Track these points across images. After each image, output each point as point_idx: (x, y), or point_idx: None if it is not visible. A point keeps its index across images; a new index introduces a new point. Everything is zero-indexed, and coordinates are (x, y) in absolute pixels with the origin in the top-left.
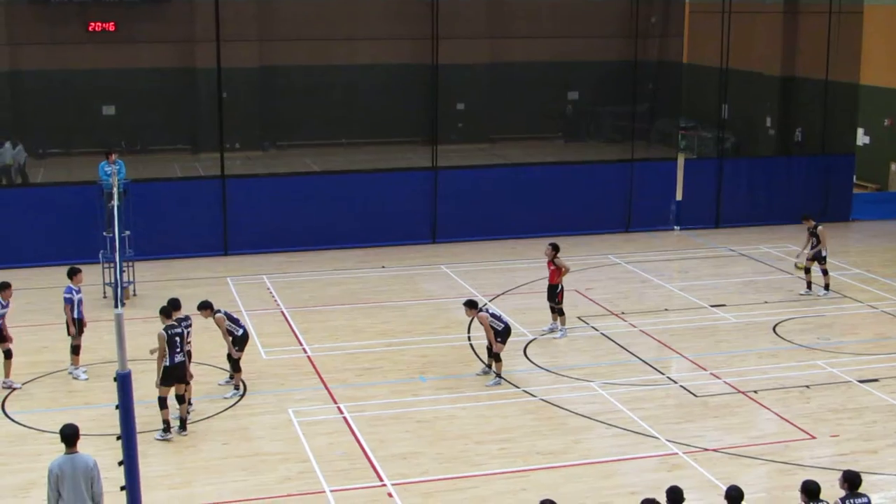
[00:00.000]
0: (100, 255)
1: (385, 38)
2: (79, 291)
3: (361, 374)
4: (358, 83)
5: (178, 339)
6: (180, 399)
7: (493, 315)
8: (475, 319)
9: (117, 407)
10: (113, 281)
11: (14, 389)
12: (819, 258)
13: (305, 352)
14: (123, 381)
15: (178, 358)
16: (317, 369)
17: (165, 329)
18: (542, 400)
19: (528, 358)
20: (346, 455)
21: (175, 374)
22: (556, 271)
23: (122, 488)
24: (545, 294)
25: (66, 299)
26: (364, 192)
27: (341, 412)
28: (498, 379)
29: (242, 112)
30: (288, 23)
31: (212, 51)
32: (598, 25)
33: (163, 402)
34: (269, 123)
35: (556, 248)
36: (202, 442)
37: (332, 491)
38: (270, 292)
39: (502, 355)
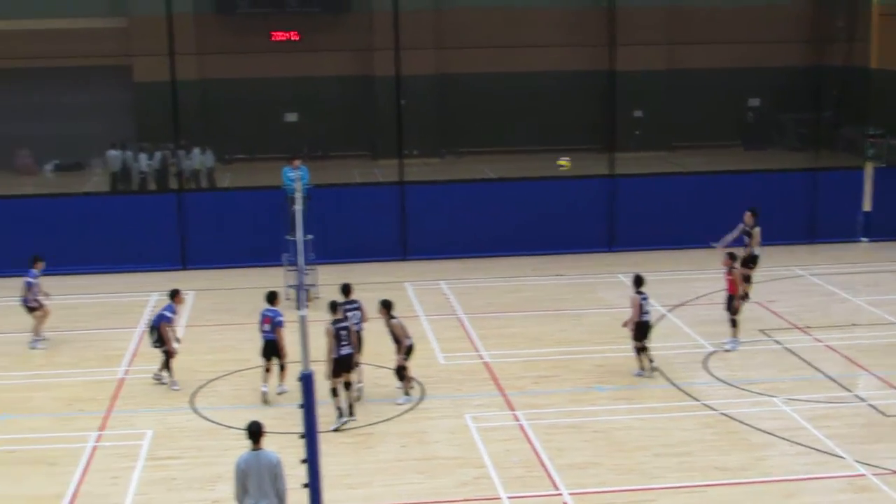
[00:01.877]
0: (283, 258)
1: (561, 46)
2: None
3: (538, 381)
4: (534, 90)
5: (343, 332)
6: (347, 386)
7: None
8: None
9: (301, 406)
10: (296, 283)
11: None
12: None
13: (482, 358)
14: (307, 382)
15: (345, 350)
16: (494, 375)
17: (332, 323)
18: (723, 414)
19: (707, 370)
20: (522, 462)
21: (343, 366)
22: (734, 281)
23: (305, 486)
24: (724, 305)
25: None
26: (541, 199)
27: (517, 419)
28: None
29: (420, 119)
30: (465, 31)
31: (391, 59)
32: (780, 30)
33: (334, 392)
34: (447, 130)
35: (733, 257)
36: (380, 444)
37: (508, 498)
38: (447, 298)
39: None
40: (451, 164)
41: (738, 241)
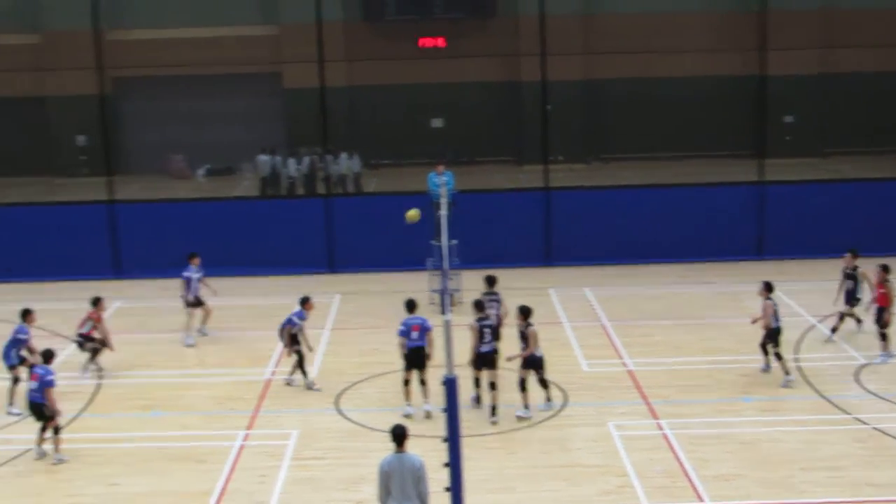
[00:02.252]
0: (428, 263)
1: (710, 50)
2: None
3: (683, 390)
4: (682, 96)
5: (486, 330)
6: (492, 386)
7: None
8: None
9: (444, 410)
10: (440, 288)
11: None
12: None
13: (626, 366)
14: (450, 386)
15: (486, 348)
16: (637, 384)
17: (477, 321)
18: (875, 429)
19: (859, 383)
20: (665, 472)
21: (483, 360)
22: (886, 294)
23: (447, 489)
24: (874, 318)
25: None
26: (687, 206)
27: (661, 428)
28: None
29: (566, 125)
30: (612, 36)
31: (537, 64)
32: None
33: (477, 382)
34: (593, 136)
35: (886, 269)
36: (522, 449)
37: None
38: (592, 305)
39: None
40: (597, 170)
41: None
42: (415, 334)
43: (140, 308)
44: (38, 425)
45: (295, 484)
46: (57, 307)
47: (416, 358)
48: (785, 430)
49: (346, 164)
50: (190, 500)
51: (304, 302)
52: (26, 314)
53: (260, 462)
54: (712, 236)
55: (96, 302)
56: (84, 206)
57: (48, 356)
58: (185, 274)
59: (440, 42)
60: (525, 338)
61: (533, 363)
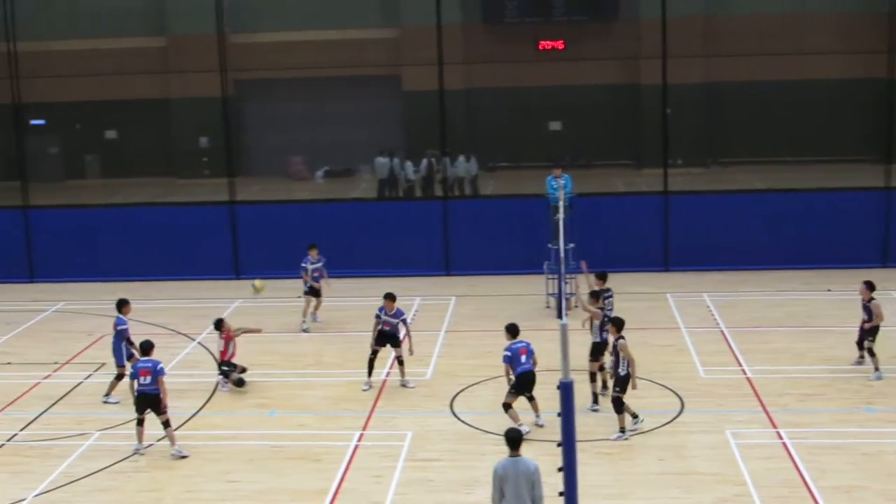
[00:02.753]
0: (544, 266)
1: (835, 53)
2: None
3: (803, 399)
4: (804, 99)
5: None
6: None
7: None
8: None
9: (559, 414)
10: (556, 292)
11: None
12: None
13: (745, 373)
14: (566, 390)
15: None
16: (756, 391)
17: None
18: None
19: None
20: (784, 482)
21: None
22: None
23: (561, 494)
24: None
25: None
26: (810, 211)
27: (780, 437)
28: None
29: (686, 128)
30: (735, 38)
31: (657, 67)
32: None
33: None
34: (713, 139)
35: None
36: (638, 455)
37: None
38: (710, 310)
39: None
40: (716, 174)
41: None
42: (523, 358)
43: (258, 308)
44: (155, 420)
45: (409, 485)
46: (177, 306)
47: (527, 382)
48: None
49: (463, 166)
50: (306, 498)
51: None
52: (122, 305)
53: (375, 462)
54: (835, 242)
55: (219, 325)
56: (206, 206)
57: (147, 348)
58: (303, 263)
59: (559, 44)
60: (618, 352)
61: (624, 383)
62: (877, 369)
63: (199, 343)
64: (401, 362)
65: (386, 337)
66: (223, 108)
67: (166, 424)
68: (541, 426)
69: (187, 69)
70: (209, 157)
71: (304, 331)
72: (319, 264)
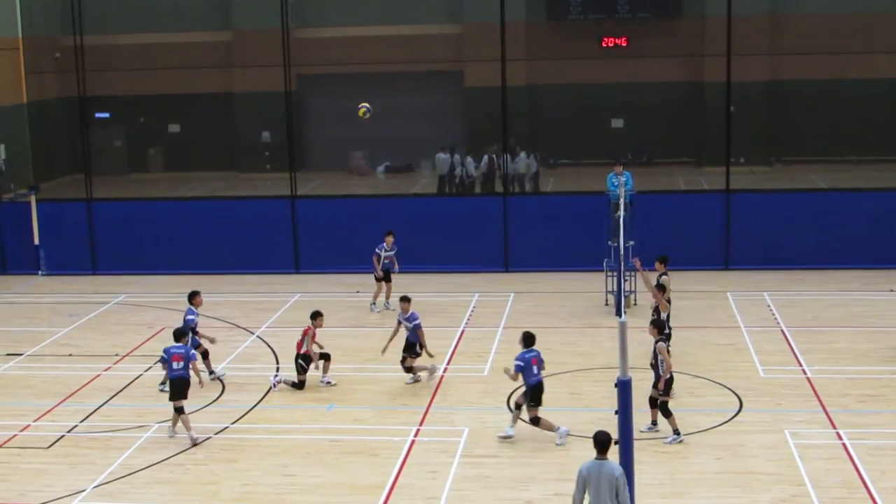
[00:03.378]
0: (604, 264)
1: None
2: (197, 314)
3: (864, 400)
4: (870, 97)
5: None
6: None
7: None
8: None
9: (616, 412)
10: (615, 289)
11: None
12: None
13: (805, 373)
14: (624, 388)
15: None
16: (816, 391)
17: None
18: None
19: None
20: (843, 483)
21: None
22: None
23: None
24: None
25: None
26: (873, 210)
27: (840, 438)
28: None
29: (749, 126)
30: (800, 36)
31: (721, 65)
32: None
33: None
34: (776, 138)
35: None
36: (695, 454)
37: None
38: (771, 309)
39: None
40: (780, 173)
41: None
42: (535, 368)
43: (317, 302)
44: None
45: (465, 481)
46: (237, 300)
47: (541, 392)
48: None
49: (524, 163)
50: (363, 492)
51: (194, 296)
52: (193, 296)
53: (431, 458)
54: None
55: (315, 316)
56: (267, 200)
57: (178, 335)
58: (377, 249)
59: (623, 41)
60: (657, 355)
61: (668, 386)
62: None
63: (258, 337)
64: (409, 370)
65: (408, 345)
66: (286, 102)
67: (180, 411)
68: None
69: (251, 64)
70: (271, 151)
71: (373, 311)
72: (392, 252)
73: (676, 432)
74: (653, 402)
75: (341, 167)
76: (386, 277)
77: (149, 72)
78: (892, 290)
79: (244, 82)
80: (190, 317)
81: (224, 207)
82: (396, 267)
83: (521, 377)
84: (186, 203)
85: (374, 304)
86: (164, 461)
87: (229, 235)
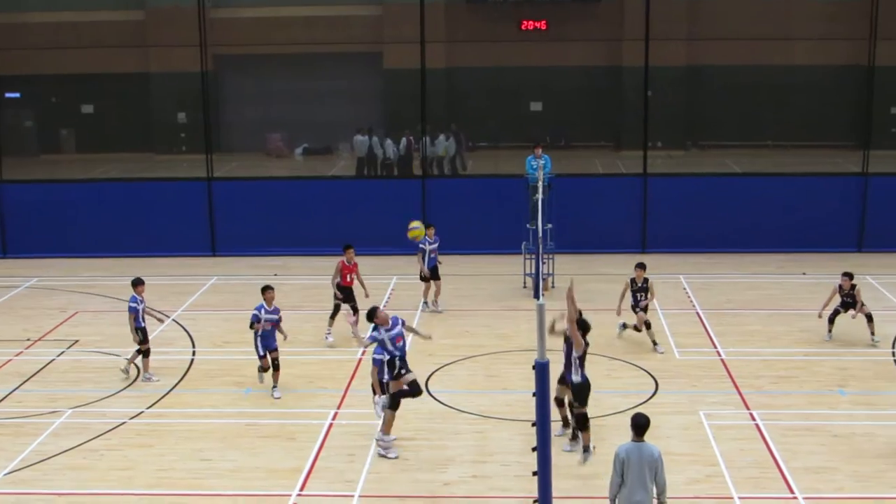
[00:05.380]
0: (522, 247)
1: (817, 39)
2: (142, 301)
3: (776, 381)
4: (786, 84)
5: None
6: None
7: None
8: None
9: (534, 394)
10: (534, 272)
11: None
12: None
13: (719, 354)
14: (542, 370)
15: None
16: (730, 373)
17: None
18: None
19: None
20: (755, 463)
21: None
22: None
23: (534, 473)
24: None
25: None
26: (788, 195)
27: (753, 419)
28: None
29: (666, 111)
30: (717, 22)
31: (640, 49)
32: None
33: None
34: (693, 123)
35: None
36: (613, 436)
37: (740, 498)
38: (686, 292)
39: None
40: (696, 157)
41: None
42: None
43: (234, 285)
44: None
45: (383, 463)
46: (152, 283)
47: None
48: (881, 425)
49: (442, 145)
50: (280, 476)
51: (138, 284)
52: (136, 284)
53: (349, 441)
54: (812, 227)
55: (347, 248)
56: (183, 182)
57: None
58: (420, 245)
59: (542, 25)
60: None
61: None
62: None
63: (173, 320)
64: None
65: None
66: (202, 83)
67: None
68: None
69: (166, 43)
70: (187, 132)
71: (438, 311)
72: (435, 245)
73: (586, 449)
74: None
75: (259, 149)
76: (434, 275)
77: (61, 51)
78: (804, 274)
79: (159, 62)
80: (132, 304)
81: (139, 189)
82: (439, 260)
83: None
84: (100, 185)
85: (426, 302)
86: (77, 447)
87: (144, 218)
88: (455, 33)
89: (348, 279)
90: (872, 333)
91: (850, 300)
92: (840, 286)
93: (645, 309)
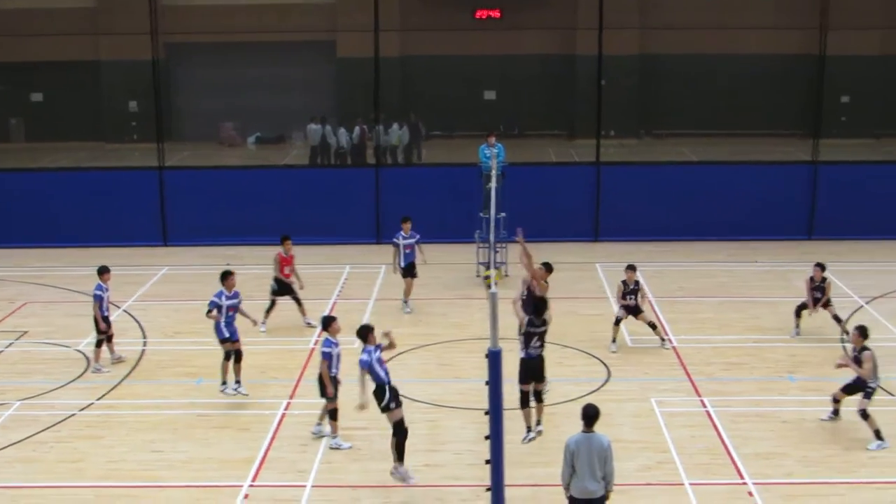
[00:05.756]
0: (475, 235)
1: (770, 28)
2: (107, 290)
3: (727, 368)
4: (739, 73)
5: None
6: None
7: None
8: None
9: (487, 383)
10: (487, 261)
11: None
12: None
13: (671, 342)
14: (494, 359)
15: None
16: (682, 361)
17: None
18: None
19: None
20: (706, 449)
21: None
22: None
23: (487, 462)
24: None
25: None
26: (740, 184)
27: (704, 405)
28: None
29: (620, 99)
30: (670, 11)
31: (593, 38)
32: None
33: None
34: (646, 111)
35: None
36: (565, 423)
37: (691, 484)
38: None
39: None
40: (649, 146)
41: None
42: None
43: (186, 275)
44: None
45: (335, 454)
46: None
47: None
48: (829, 410)
49: (396, 134)
50: (232, 467)
51: (103, 272)
52: (102, 272)
53: (301, 431)
54: (763, 215)
55: (284, 239)
56: (134, 171)
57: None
58: (395, 239)
59: (496, 13)
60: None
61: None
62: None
63: (124, 311)
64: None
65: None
66: (154, 71)
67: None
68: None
69: (118, 31)
70: (138, 121)
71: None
72: (413, 240)
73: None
74: None
75: (211, 138)
76: (409, 271)
77: (10, 38)
78: (756, 262)
79: (110, 50)
80: (97, 292)
81: (89, 178)
82: (421, 257)
83: None
84: (50, 174)
85: (406, 302)
86: (26, 439)
87: (95, 207)
88: (409, 22)
89: (286, 272)
90: (846, 332)
91: (819, 294)
92: (812, 277)
93: (639, 310)
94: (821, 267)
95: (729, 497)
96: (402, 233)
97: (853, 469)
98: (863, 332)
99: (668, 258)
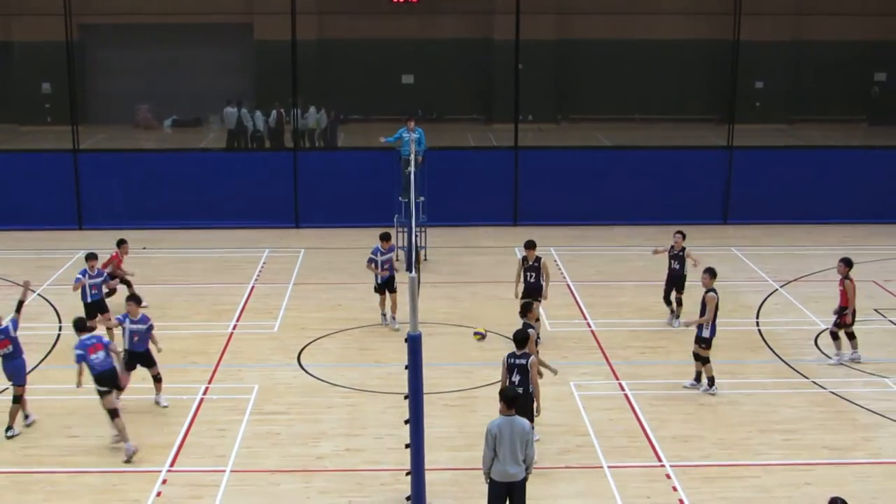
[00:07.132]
0: (394, 220)
1: (685, 13)
2: (90, 276)
3: (644, 352)
4: (655, 58)
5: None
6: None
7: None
8: None
9: (407, 367)
10: (406, 245)
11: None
12: None
13: (589, 326)
14: (414, 343)
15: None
16: (600, 344)
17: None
18: (832, 393)
19: (819, 348)
20: (624, 432)
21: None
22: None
23: (407, 446)
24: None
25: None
26: (656, 169)
27: (622, 389)
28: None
29: (537, 84)
30: None
31: (511, 22)
32: None
33: None
34: (563, 96)
35: (848, 263)
36: (483, 407)
37: (609, 467)
38: (557, 264)
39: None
40: (566, 131)
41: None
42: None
43: (101, 258)
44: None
45: (255, 438)
46: (17, 257)
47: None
48: (744, 393)
49: (314, 118)
50: (150, 452)
51: (90, 258)
52: (88, 258)
53: (220, 416)
54: (679, 200)
55: (121, 243)
56: (48, 154)
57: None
58: (372, 255)
59: None
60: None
61: None
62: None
63: (39, 295)
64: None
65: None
66: (67, 53)
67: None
68: None
69: (29, 11)
70: (52, 103)
71: (394, 329)
72: (389, 255)
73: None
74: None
75: (127, 121)
76: (389, 287)
77: None
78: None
79: (22, 31)
80: (78, 276)
81: (2, 161)
82: (396, 269)
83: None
84: None
85: (384, 314)
86: None
87: (8, 190)
88: (327, 4)
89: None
90: (677, 317)
91: (679, 264)
92: (672, 246)
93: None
94: (681, 235)
95: (647, 479)
96: (381, 248)
97: (768, 451)
98: (712, 273)
99: (585, 243)
